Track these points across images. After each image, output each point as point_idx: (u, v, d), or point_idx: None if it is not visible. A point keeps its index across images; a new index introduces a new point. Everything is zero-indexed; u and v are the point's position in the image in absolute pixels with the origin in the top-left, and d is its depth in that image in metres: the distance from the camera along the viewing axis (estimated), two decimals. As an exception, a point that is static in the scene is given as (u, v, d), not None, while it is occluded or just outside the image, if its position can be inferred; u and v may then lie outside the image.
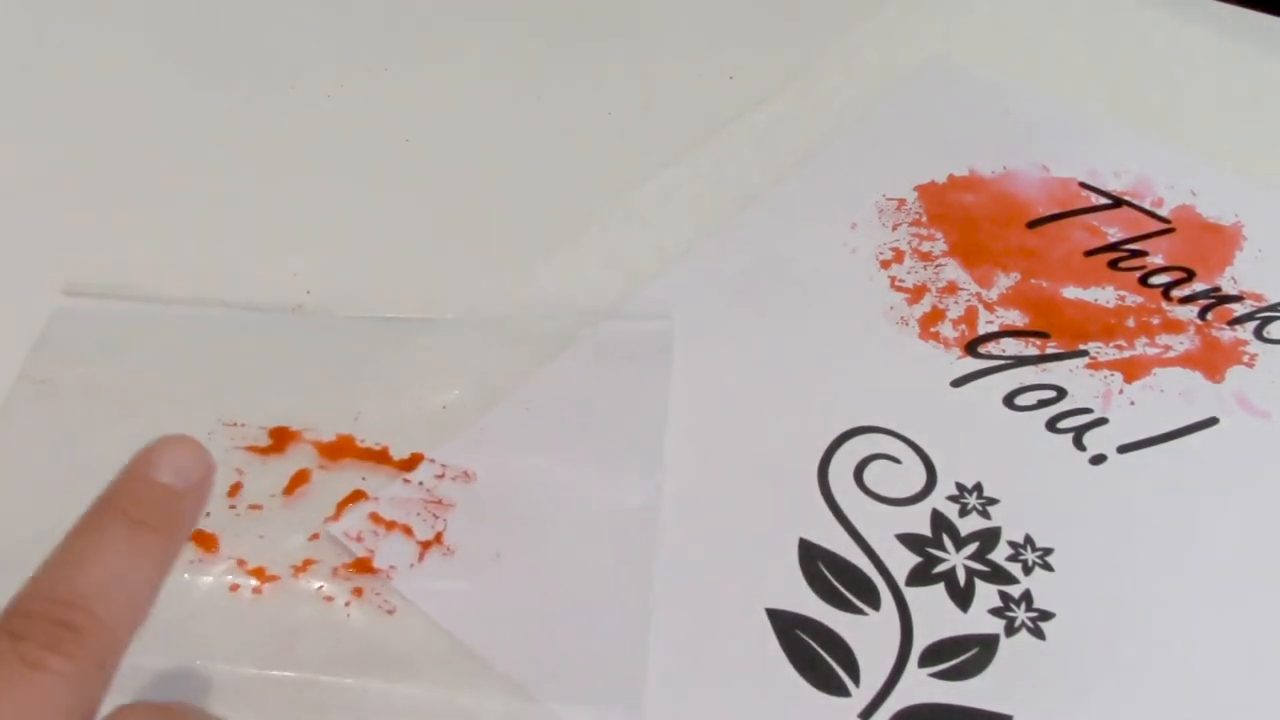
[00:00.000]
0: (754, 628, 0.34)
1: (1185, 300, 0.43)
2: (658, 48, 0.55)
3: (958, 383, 0.40)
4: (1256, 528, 0.37)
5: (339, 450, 0.37)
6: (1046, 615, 0.34)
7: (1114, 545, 0.36)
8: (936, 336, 0.42)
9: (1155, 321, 0.43)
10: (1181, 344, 0.42)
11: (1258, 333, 0.42)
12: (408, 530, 0.36)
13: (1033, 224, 0.46)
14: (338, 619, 0.34)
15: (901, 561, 0.36)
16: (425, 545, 0.35)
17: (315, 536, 0.35)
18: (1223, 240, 0.46)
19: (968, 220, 0.46)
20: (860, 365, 0.41)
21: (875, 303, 0.43)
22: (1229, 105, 0.51)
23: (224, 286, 0.42)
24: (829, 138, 0.49)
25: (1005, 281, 0.44)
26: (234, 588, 0.34)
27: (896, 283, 0.44)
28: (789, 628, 0.34)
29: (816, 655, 0.33)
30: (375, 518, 0.36)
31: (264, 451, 0.38)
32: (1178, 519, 0.37)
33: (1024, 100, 0.51)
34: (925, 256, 0.44)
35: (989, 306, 0.43)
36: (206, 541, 0.35)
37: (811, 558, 0.35)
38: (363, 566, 0.35)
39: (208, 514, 0.35)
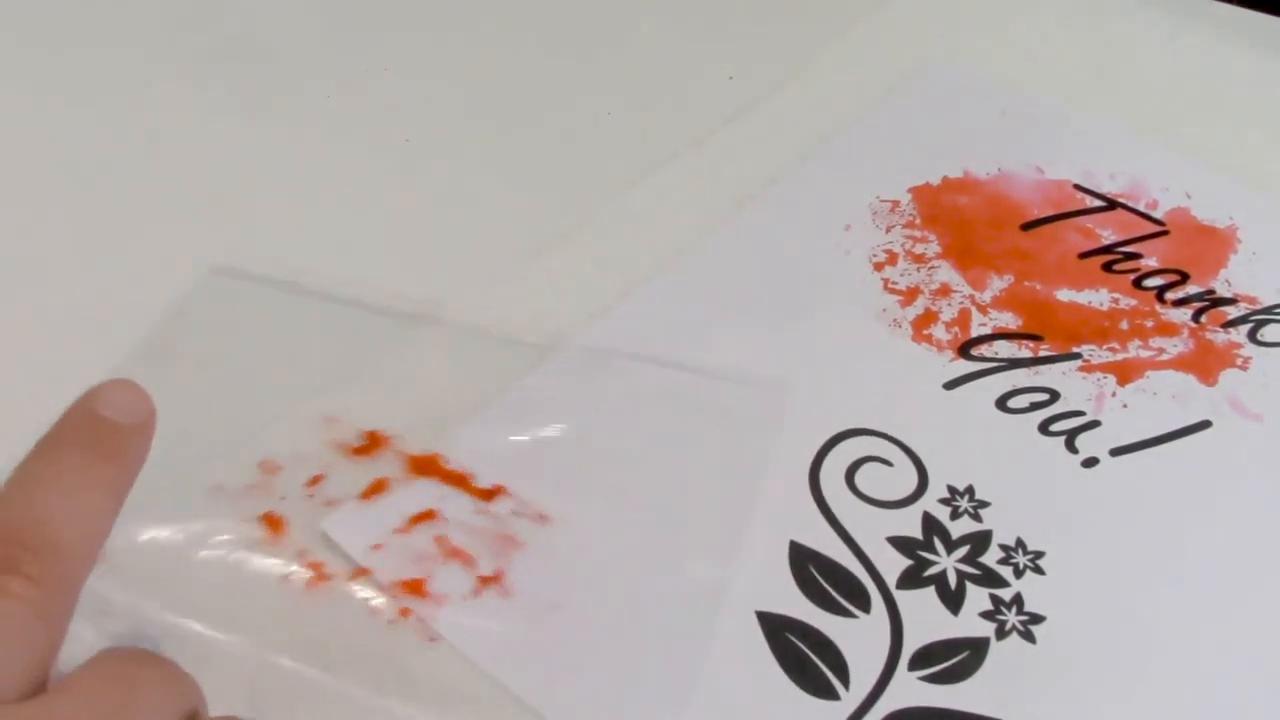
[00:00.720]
0: (744, 630, 0.34)
1: (1179, 303, 0.43)
2: (655, 49, 0.55)
3: (950, 385, 0.40)
4: (1248, 531, 0.37)
5: (424, 466, 0.37)
6: (1037, 619, 0.34)
7: (1106, 549, 0.36)
8: (929, 339, 0.42)
9: (1149, 324, 0.43)
10: (1175, 347, 0.42)
11: (1251, 335, 0.42)
12: (470, 561, 0.35)
13: (1027, 226, 0.46)
14: (378, 634, 0.33)
15: (892, 564, 0.35)
16: (484, 581, 0.34)
17: (379, 546, 0.35)
18: (1217, 243, 0.46)
19: (961, 222, 0.46)
20: (853, 367, 0.41)
21: (868, 305, 0.43)
22: (1225, 107, 0.51)
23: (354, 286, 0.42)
24: (824, 139, 0.49)
25: (999, 284, 0.44)
26: (288, 577, 0.34)
27: (890, 285, 0.43)
28: (779, 630, 0.34)
29: (806, 658, 0.33)
30: (440, 540, 0.35)
31: (354, 451, 0.37)
32: (1170, 523, 0.37)
33: (1019, 101, 0.51)
34: (919, 259, 0.44)
35: (982, 309, 0.43)
36: (275, 524, 0.35)
37: (802, 560, 0.35)
38: (416, 588, 0.34)
39: (283, 498, 0.36)
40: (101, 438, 0.28)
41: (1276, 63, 0.54)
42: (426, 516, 0.36)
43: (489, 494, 0.36)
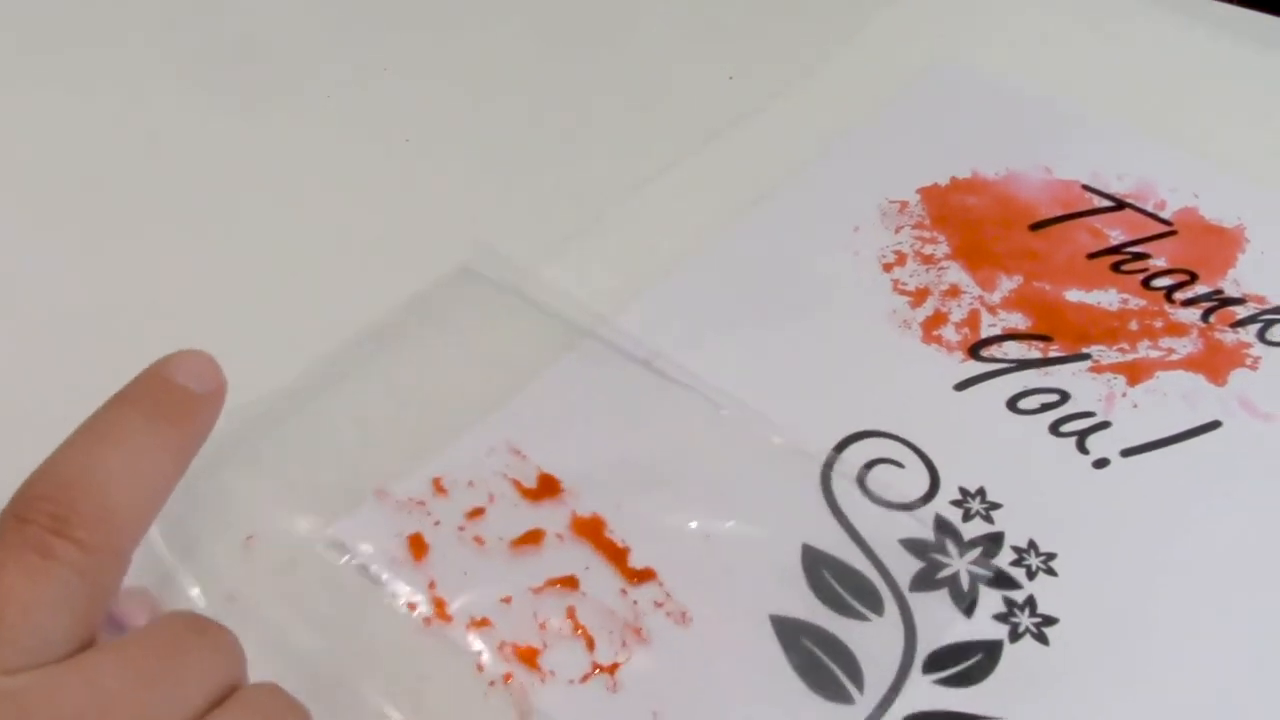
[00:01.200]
0: (758, 636, 0.34)
1: (1188, 303, 0.43)
2: (658, 49, 0.55)
3: (960, 386, 0.40)
4: (1260, 531, 0.37)
5: (586, 528, 0.36)
6: (1050, 620, 0.34)
7: (1117, 550, 0.36)
8: (939, 340, 0.42)
9: (1158, 324, 0.43)
10: (1184, 347, 0.42)
11: (1261, 335, 0.42)
12: (591, 643, 0.34)
13: (1035, 226, 0.46)
14: (475, 693, 0.32)
15: (905, 567, 0.36)
16: (597, 668, 0.33)
17: (508, 599, 0.34)
18: (1225, 242, 0.46)
19: (970, 223, 0.46)
20: (863, 369, 0.41)
21: (878, 306, 0.43)
22: (1232, 106, 0.51)
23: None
24: (832, 140, 0.49)
25: (1008, 284, 0.44)
26: (411, 606, 0.34)
27: (899, 286, 0.44)
28: (793, 635, 0.34)
29: (820, 662, 0.33)
30: (571, 612, 0.34)
31: (524, 493, 0.37)
32: (1181, 523, 0.37)
33: (1027, 102, 0.51)
34: (928, 259, 0.44)
35: (991, 310, 0.43)
36: (419, 548, 0.35)
37: (815, 564, 0.35)
38: (529, 658, 0.33)
39: (436, 522, 0.36)
40: (171, 401, 0.28)
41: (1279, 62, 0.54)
42: (568, 583, 0.35)
43: (638, 576, 0.35)
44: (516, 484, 0.37)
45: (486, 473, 0.37)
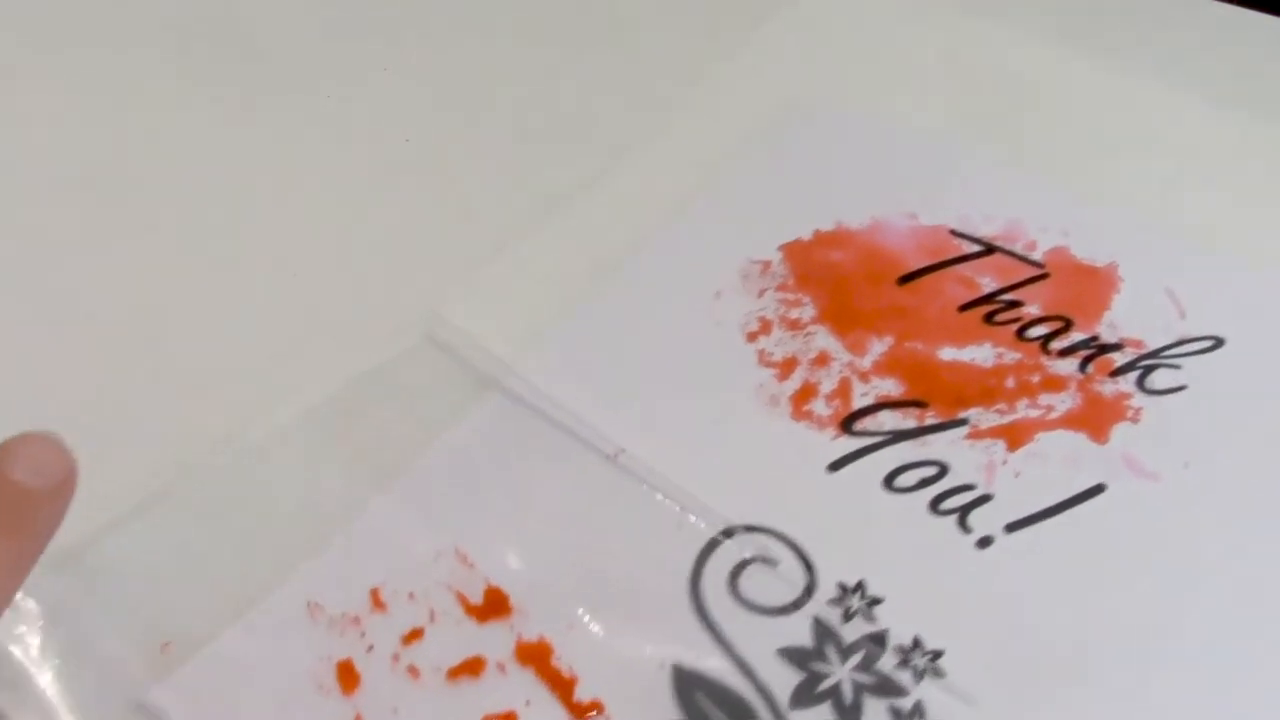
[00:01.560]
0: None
1: (1065, 352, 0.42)
2: (494, 109, 0.51)
3: (834, 466, 0.38)
4: (1151, 605, 0.35)
5: (532, 655, 0.33)
6: (940, 728, 0.32)
7: (1006, 639, 0.34)
8: (810, 416, 0.39)
9: (1035, 379, 0.41)
10: (1064, 403, 0.40)
11: (1140, 384, 0.41)
12: None
13: (904, 280, 0.44)
14: None
15: (784, 681, 0.33)
16: None
17: None
18: (1099, 283, 0.44)
19: (837, 280, 0.43)
20: (731, 456, 0.38)
21: (743, 382, 0.40)
22: (1100, 137, 0.50)
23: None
24: (687, 198, 0.46)
25: (879, 347, 0.41)
26: None
27: (765, 357, 0.41)
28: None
29: (697, 802, 0.31)
30: None
31: (468, 609, 0.34)
32: (1067, 602, 0.35)
33: (890, 142, 0.49)
34: (794, 325, 0.42)
35: (863, 376, 0.40)
36: (349, 679, 0.32)
37: (688, 687, 0.33)
38: None
39: (371, 648, 0.33)
40: (6, 507, 0.25)
41: (1150, 92, 0.52)
42: (507, 718, 0.32)
43: (584, 711, 0.32)
44: (461, 598, 0.34)
45: (431, 583, 0.35)
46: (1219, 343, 0.42)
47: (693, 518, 0.36)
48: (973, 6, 0.55)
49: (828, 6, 0.55)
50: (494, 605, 0.34)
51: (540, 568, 0.35)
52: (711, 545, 0.36)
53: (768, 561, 0.35)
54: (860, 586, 0.35)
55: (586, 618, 0.34)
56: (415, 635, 0.34)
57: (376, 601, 0.34)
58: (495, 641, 0.34)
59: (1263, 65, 0.53)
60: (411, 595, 0.34)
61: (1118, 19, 0.56)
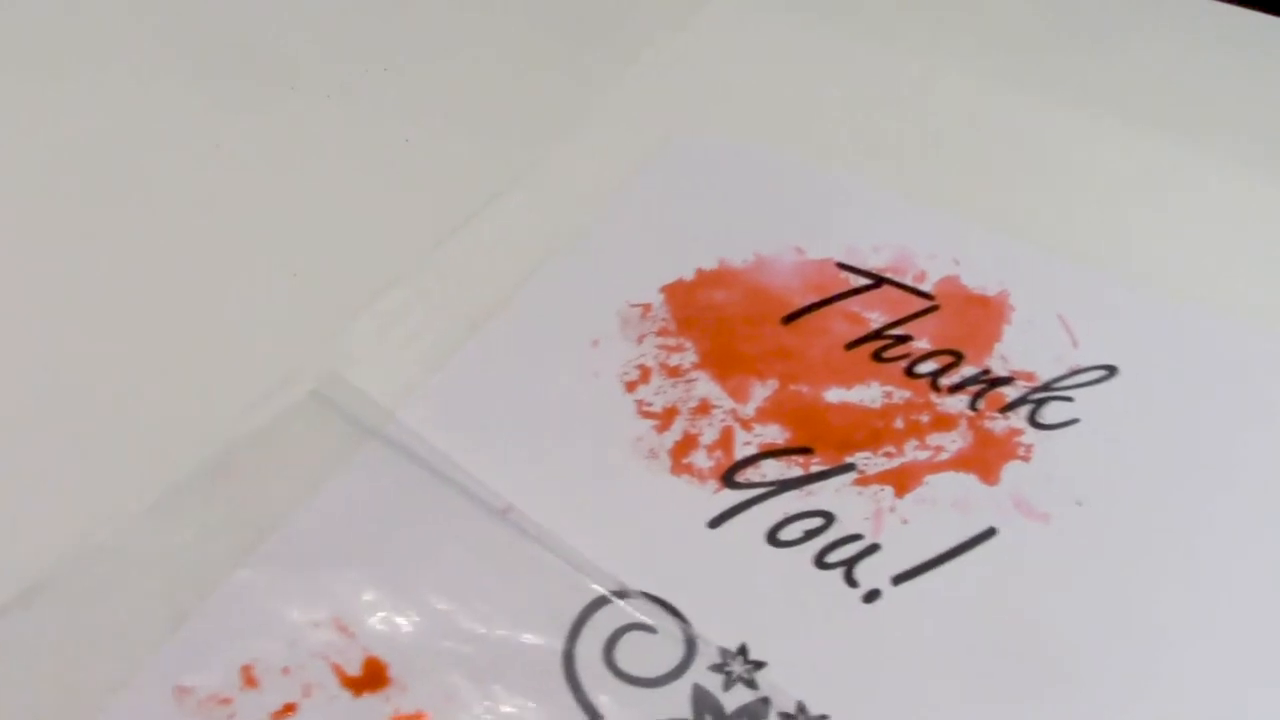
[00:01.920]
0: None
1: (955, 389, 0.40)
2: (366, 152, 0.49)
3: (715, 522, 0.36)
4: (1042, 653, 0.34)
5: None
6: (824, 803, 0.31)
7: (894, 699, 0.33)
8: (690, 469, 0.38)
9: (924, 419, 0.39)
10: (954, 443, 0.39)
11: (1032, 419, 0.39)
12: None
13: (788, 318, 0.42)
14: None
15: (661, 759, 0.31)
16: None
17: None
18: (990, 314, 0.43)
19: (719, 322, 0.42)
20: (609, 514, 0.36)
21: (621, 435, 0.38)
22: (987, 159, 0.48)
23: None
24: (566, 240, 0.44)
25: (762, 392, 0.40)
26: None
27: (644, 408, 0.39)
28: None
29: None
30: None
31: (345, 681, 0.32)
32: (958, 655, 0.34)
33: (776, 174, 0.47)
34: (674, 372, 0.40)
35: (746, 424, 0.39)
36: None
37: (558, 772, 0.31)
38: None
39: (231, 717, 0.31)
40: None
41: (1042, 113, 0.51)
42: None
43: None
44: (340, 669, 0.32)
45: (309, 652, 0.33)
46: (1112, 371, 0.41)
47: (574, 580, 0.35)
48: (860, 34, 0.54)
49: (708, 36, 0.53)
50: (372, 677, 0.33)
51: (423, 634, 0.34)
52: (589, 611, 0.34)
53: (645, 628, 0.34)
54: (743, 650, 0.33)
55: (465, 689, 0.32)
56: (288, 710, 0.32)
57: (248, 678, 0.32)
58: (371, 716, 0.32)
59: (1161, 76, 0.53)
60: (286, 670, 0.33)
61: (1003, 41, 0.55)
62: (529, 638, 0.33)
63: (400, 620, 0.34)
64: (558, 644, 0.33)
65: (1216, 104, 0.51)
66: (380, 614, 0.34)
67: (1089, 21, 0.56)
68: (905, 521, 0.36)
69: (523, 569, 0.35)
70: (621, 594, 0.34)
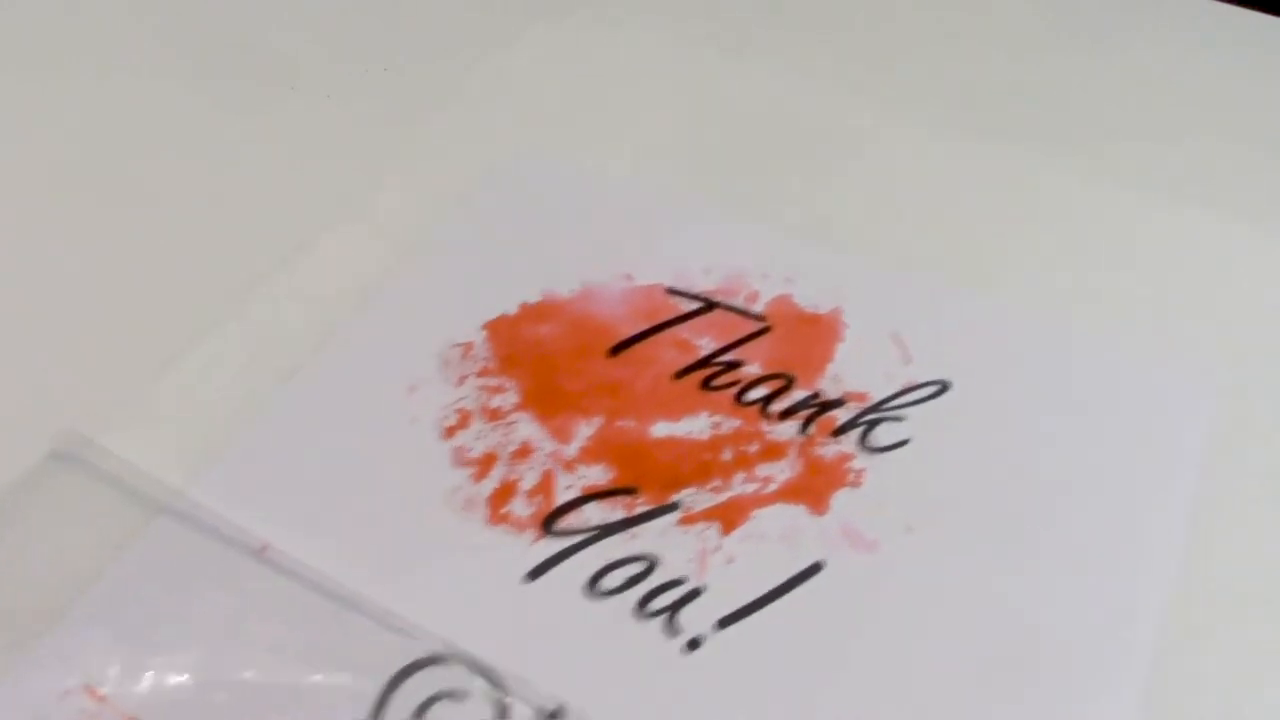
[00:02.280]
0: None
1: (785, 414, 0.39)
2: (164, 195, 0.47)
3: (533, 574, 0.35)
4: (872, 693, 0.33)
5: None
6: None
7: (716, 753, 0.32)
8: (507, 519, 0.36)
9: (753, 449, 0.38)
10: (783, 472, 0.38)
11: (863, 442, 0.38)
12: None
13: (615, 350, 0.41)
14: None
15: (469, 837, 0.30)
16: None
17: None
18: (822, 332, 0.42)
19: (542, 359, 0.40)
20: (421, 574, 0.35)
21: (436, 485, 0.37)
22: (822, 174, 0.47)
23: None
24: (381, 281, 0.42)
25: (586, 430, 0.38)
26: None
27: (463, 454, 0.38)
28: None
29: None
30: None
31: None
32: (786, 701, 0.32)
33: (601, 197, 0.46)
34: (494, 415, 0.39)
35: (568, 466, 0.37)
36: None
37: None
38: None
39: None
40: None
41: (899, 130, 0.50)
42: None
43: None
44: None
45: None
46: (944, 387, 0.40)
47: (383, 645, 0.33)
48: (685, 54, 0.53)
49: (529, 63, 0.52)
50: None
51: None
52: (399, 679, 0.32)
53: (456, 695, 0.32)
54: (559, 712, 0.32)
55: None
56: None
57: None
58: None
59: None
60: None
61: (838, 52, 0.54)
62: (335, 710, 0.32)
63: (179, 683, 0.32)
64: (362, 713, 0.32)
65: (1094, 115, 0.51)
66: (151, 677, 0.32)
67: (924, 32, 0.55)
68: (731, 560, 0.35)
69: (330, 635, 0.33)
70: (434, 658, 0.33)
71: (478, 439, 0.38)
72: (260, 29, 0.54)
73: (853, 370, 0.40)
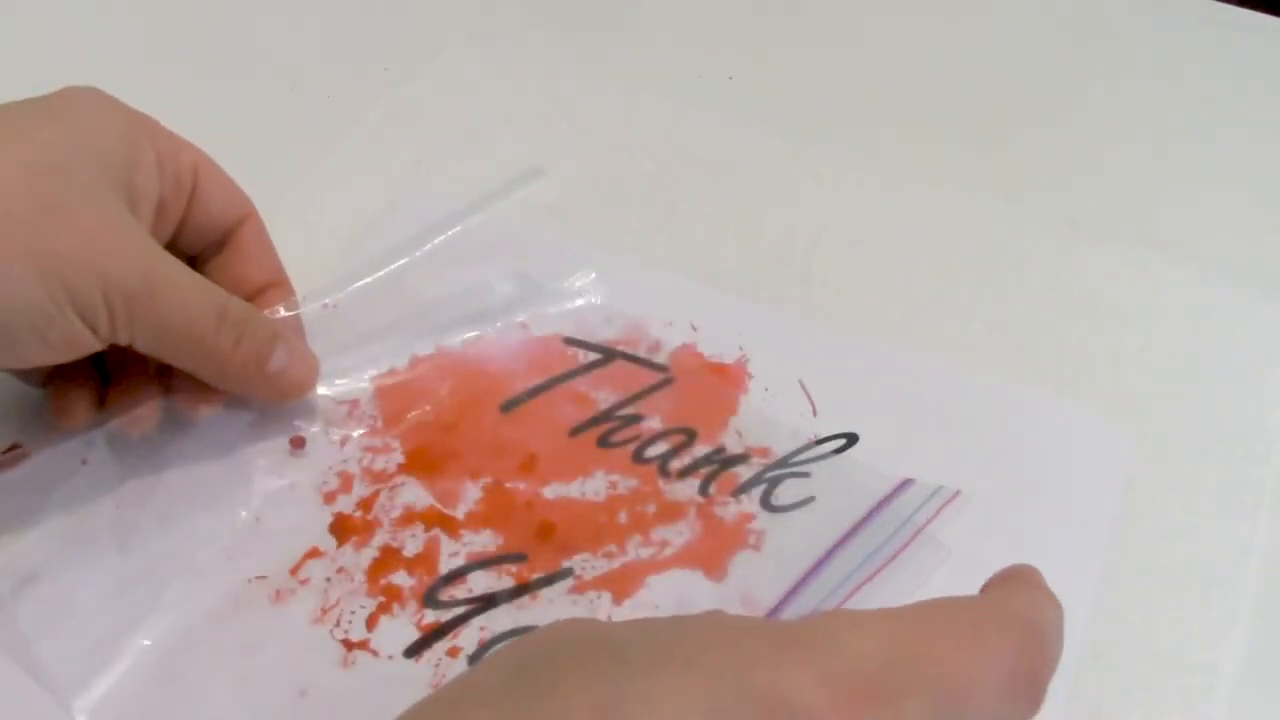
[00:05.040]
0: None
1: (685, 472, 0.37)
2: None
3: (411, 652, 0.33)
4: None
5: None
6: None
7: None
8: (388, 591, 0.34)
9: (651, 509, 0.36)
10: (680, 535, 0.36)
11: (765, 501, 0.37)
12: None
13: (508, 406, 0.39)
14: None
15: None
16: None
17: None
18: (726, 383, 0.40)
19: (430, 417, 0.38)
20: (276, 664, 0.33)
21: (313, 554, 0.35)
22: (725, 217, 0.46)
23: None
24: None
25: (474, 493, 0.37)
26: None
27: (342, 521, 0.36)
28: None
29: None
30: None
31: None
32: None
33: (500, 240, 0.44)
34: (378, 477, 0.37)
35: (454, 532, 0.36)
36: None
37: None
38: None
39: None
40: None
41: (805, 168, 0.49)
42: None
43: None
44: None
45: None
46: (852, 440, 0.38)
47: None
48: (591, 85, 0.51)
49: (420, 97, 0.50)
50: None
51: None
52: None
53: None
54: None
55: None
56: None
57: None
58: None
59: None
60: None
61: (752, 92, 0.52)
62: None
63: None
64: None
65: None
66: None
67: (839, 68, 0.54)
68: (622, 632, 0.33)
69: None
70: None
71: (359, 505, 0.36)
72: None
73: (756, 423, 0.39)
